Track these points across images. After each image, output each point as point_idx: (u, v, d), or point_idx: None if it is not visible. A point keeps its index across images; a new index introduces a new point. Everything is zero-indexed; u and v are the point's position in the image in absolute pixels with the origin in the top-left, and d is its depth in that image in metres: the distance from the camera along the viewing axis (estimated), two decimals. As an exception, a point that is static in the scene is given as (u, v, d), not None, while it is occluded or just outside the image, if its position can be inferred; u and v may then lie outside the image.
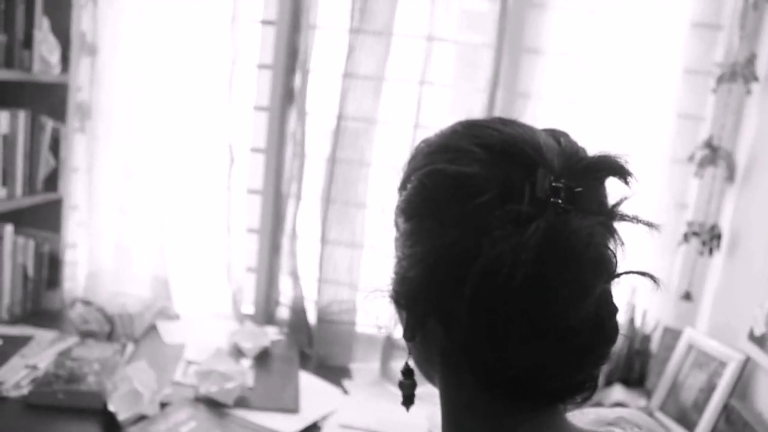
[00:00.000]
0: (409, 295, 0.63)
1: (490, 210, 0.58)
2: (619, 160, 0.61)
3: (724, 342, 1.78)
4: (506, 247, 0.56)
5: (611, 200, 0.62)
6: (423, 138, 0.68)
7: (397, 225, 0.66)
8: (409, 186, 0.64)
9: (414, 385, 0.69)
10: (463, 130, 0.64)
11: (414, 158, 0.66)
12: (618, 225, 0.61)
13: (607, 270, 0.60)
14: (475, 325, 0.58)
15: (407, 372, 0.69)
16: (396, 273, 0.65)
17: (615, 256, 0.60)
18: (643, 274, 0.62)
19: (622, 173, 0.60)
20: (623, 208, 0.61)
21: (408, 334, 0.65)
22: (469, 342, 0.59)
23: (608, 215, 0.60)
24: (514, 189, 0.58)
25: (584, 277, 0.57)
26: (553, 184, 0.58)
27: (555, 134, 0.64)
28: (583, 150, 0.63)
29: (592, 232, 0.57)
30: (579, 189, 0.58)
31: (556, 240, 0.56)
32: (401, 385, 0.69)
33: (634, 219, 0.61)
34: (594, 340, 0.61)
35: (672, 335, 1.94)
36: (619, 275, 0.60)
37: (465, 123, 0.66)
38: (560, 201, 0.57)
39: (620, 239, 0.60)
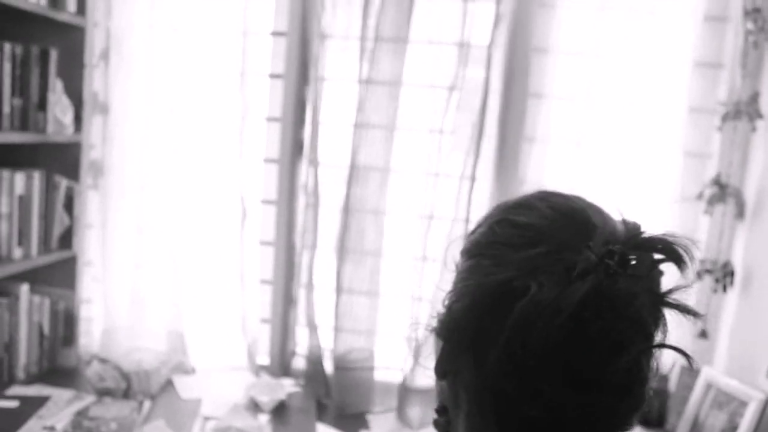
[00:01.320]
0: (451, 325, 0.65)
1: (545, 259, 0.61)
2: (678, 244, 0.62)
3: (742, 380, 1.77)
4: (552, 292, 0.59)
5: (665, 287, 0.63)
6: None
7: (457, 264, 0.69)
8: (478, 231, 0.69)
9: (449, 423, 0.70)
10: (539, 194, 0.69)
11: (489, 212, 0.70)
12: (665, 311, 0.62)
13: (644, 332, 0.61)
14: (507, 363, 0.60)
15: (441, 410, 0.70)
16: (444, 305, 0.67)
17: (656, 326, 0.62)
18: (679, 351, 0.63)
19: (677, 259, 0.61)
20: (674, 296, 0.61)
21: (440, 370, 0.67)
22: (498, 381, 0.61)
23: (657, 295, 0.61)
24: (573, 246, 0.61)
25: (621, 334, 0.59)
26: (609, 247, 0.60)
27: (624, 218, 0.66)
28: (647, 230, 0.64)
29: (636, 294, 0.59)
30: (633, 258, 0.60)
31: (601, 294, 0.58)
32: (436, 424, 0.71)
33: (682, 308, 0.61)
34: (620, 402, 0.62)
35: (690, 374, 1.92)
36: (656, 346, 0.62)
37: (542, 191, 0.70)
38: (612, 263, 0.59)
39: (664, 321, 0.62)
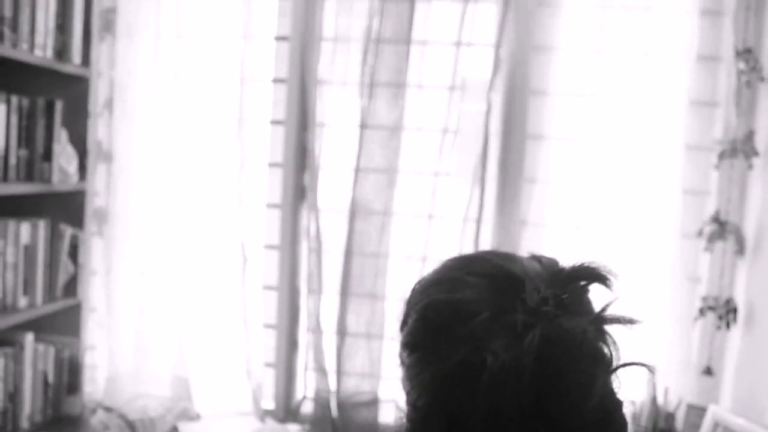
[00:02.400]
0: (423, 421, 0.66)
1: (488, 326, 0.63)
2: (597, 267, 0.66)
3: (749, 418, 1.76)
4: (509, 355, 0.61)
5: (600, 305, 0.67)
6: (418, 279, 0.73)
7: (402, 360, 0.70)
8: (410, 321, 0.69)
9: None
10: (453, 264, 0.71)
11: (411, 297, 0.72)
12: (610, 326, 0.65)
13: (604, 362, 0.65)
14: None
15: None
16: (407, 405, 0.68)
17: (611, 351, 0.65)
18: (640, 364, 0.67)
19: (601, 279, 0.66)
20: (610, 311, 0.66)
21: None
22: None
23: (596, 318, 0.65)
24: (507, 306, 0.63)
25: (585, 370, 0.62)
26: (542, 294, 0.63)
27: (535, 256, 0.70)
28: (563, 263, 0.68)
29: (584, 330, 0.63)
30: (565, 296, 0.64)
31: (553, 340, 0.61)
32: None
33: (621, 320, 0.66)
34: None
35: (696, 413, 1.92)
36: (617, 368, 0.65)
37: (453, 258, 0.72)
38: (550, 308, 0.62)
39: (612, 339, 0.66)
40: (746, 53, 1.87)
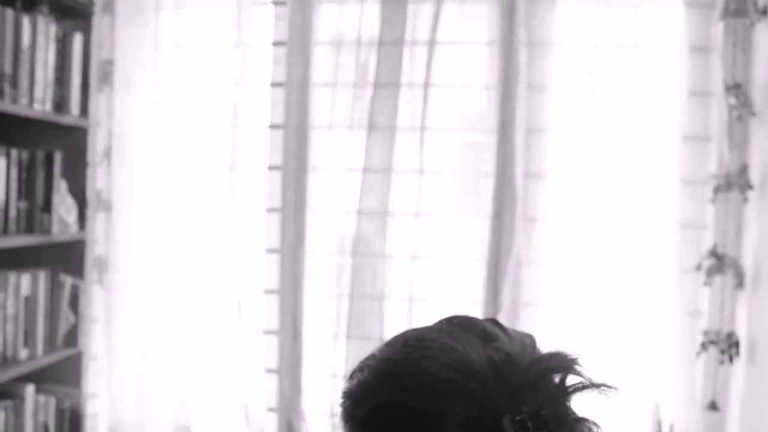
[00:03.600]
0: None
1: None
2: (560, 359, 0.64)
3: (757, 454, 1.74)
4: None
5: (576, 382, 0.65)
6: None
7: None
8: (351, 425, 0.65)
9: None
10: (410, 354, 0.64)
11: (358, 384, 0.66)
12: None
13: None
14: None
15: None
16: None
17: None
18: None
19: (567, 370, 0.64)
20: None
21: None
22: None
23: (575, 420, 0.63)
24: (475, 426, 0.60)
25: None
26: (517, 418, 0.59)
27: (487, 349, 0.64)
28: (518, 353, 0.64)
29: None
30: (543, 412, 0.60)
31: None
32: None
33: (598, 387, 0.64)
34: None
35: (704, 449, 1.90)
36: None
37: (409, 341, 0.66)
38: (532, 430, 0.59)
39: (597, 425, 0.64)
40: (736, 88, 1.89)
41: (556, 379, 0.63)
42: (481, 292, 2.01)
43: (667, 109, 1.97)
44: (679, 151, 1.97)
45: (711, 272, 1.91)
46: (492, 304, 2.01)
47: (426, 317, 1.98)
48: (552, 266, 2.00)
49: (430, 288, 2.03)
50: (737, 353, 1.89)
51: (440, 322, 0.69)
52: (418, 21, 2.03)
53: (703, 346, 1.92)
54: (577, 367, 0.64)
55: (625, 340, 1.97)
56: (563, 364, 0.64)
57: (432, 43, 2.02)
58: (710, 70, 1.97)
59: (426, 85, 2.02)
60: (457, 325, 0.68)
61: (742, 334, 1.90)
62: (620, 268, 1.99)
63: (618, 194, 1.99)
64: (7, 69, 1.88)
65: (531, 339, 0.68)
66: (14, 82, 1.91)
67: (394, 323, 2.03)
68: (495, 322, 0.69)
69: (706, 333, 1.92)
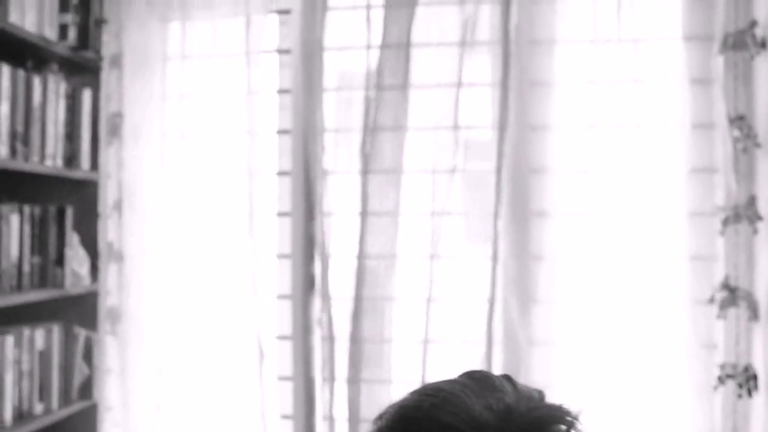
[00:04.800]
0: None
1: None
2: (559, 411, 0.66)
3: (781, 490, 1.71)
4: None
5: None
6: None
7: None
8: None
9: None
10: (401, 427, 0.68)
11: None
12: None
13: None
14: None
15: None
16: None
17: None
18: None
19: (565, 422, 0.65)
20: None
21: None
22: None
23: None
24: None
25: None
26: None
27: (490, 400, 0.67)
28: (517, 405, 0.67)
29: None
30: None
31: None
32: None
33: None
34: None
35: (726, 485, 1.87)
36: None
37: (402, 417, 0.70)
38: None
39: None
40: (739, 120, 1.90)
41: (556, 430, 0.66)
42: (489, 332, 2.01)
43: (671, 143, 1.98)
44: (685, 184, 1.97)
45: (724, 305, 1.90)
46: (505, 344, 2.00)
47: (437, 359, 1.99)
48: (565, 305, 1.99)
49: (441, 329, 2.03)
50: (755, 386, 1.87)
51: (460, 375, 0.74)
52: (422, 64, 2.06)
53: (720, 380, 1.90)
54: (576, 423, 0.65)
55: (641, 376, 1.96)
56: (561, 415, 0.66)
57: (436, 85, 2.05)
58: (712, 102, 1.98)
59: (434, 128, 2.05)
60: (470, 377, 0.73)
61: (759, 367, 1.88)
62: (632, 303, 1.98)
63: (626, 230, 1.99)
64: (19, 128, 1.92)
65: (540, 394, 0.71)
66: (26, 140, 1.94)
67: (407, 365, 2.03)
68: (508, 378, 0.73)
69: (722, 366, 1.91)
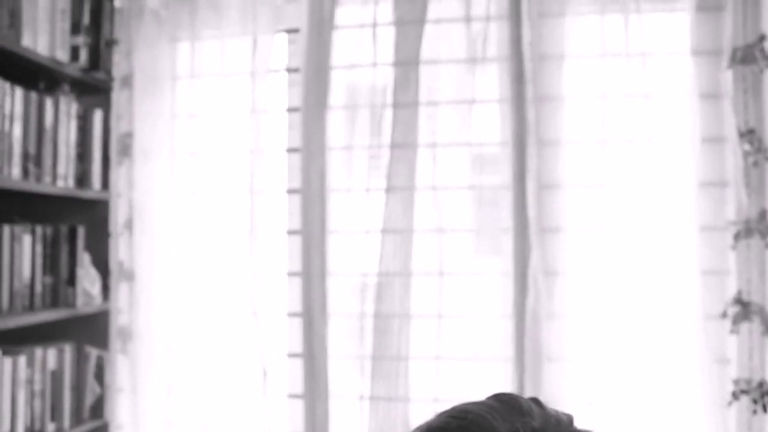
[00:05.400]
0: None
1: None
2: None
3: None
4: None
5: None
6: None
7: None
8: None
9: None
10: None
11: None
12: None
13: None
14: None
15: None
16: None
17: None
18: None
19: None
20: None
21: None
22: None
23: None
24: None
25: None
26: None
27: (517, 422, 0.68)
28: (544, 428, 0.68)
29: None
30: None
31: None
32: None
33: None
34: None
35: (742, 503, 1.85)
36: None
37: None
38: None
39: None
40: (749, 134, 1.90)
41: None
42: (506, 348, 2.01)
43: (681, 157, 1.98)
44: (696, 199, 1.96)
45: (737, 320, 1.89)
46: (519, 360, 1.99)
47: (451, 376, 1.98)
48: (575, 320, 1.99)
49: (455, 346, 2.03)
50: (770, 402, 1.85)
51: (488, 397, 0.75)
52: (431, 81, 2.07)
53: (734, 396, 1.89)
54: None
55: (655, 392, 1.95)
56: None
57: (446, 102, 2.06)
58: (722, 115, 1.98)
59: (443, 145, 2.05)
60: (498, 400, 0.73)
61: (773, 382, 1.86)
62: (645, 318, 1.97)
63: (637, 245, 1.98)
64: (32, 149, 1.93)
65: (569, 417, 0.72)
66: (38, 161, 1.96)
67: (417, 381, 2.03)
68: (536, 401, 0.73)
69: (736, 382, 1.89)
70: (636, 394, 1.96)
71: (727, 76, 1.94)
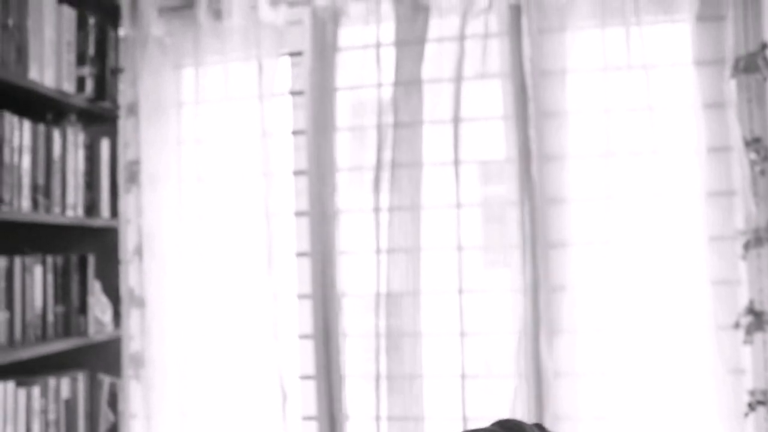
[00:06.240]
0: None
1: None
2: None
3: None
4: None
5: None
6: None
7: None
8: None
9: None
10: None
11: None
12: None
13: None
14: None
15: None
16: None
17: None
18: None
19: None
20: None
21: None
22: None
23: None
24: None
25: None
26: None
27: None
28: None
29: None
30: None
31: None
32: None
33: None
34: None
35: None
36: None
37: None
38: None
39: None
40: (755, 143, 1.89)
41: None
42: (516, 364, 2.00)
43: (687, 168, 1.97)
44: (704, 209, 1.96)
45: (750, 330, 1.88)
46: (529, 376, 1.99)
47: (466, 393, 1.97)
48: (588, 335, 1.98)
49: (466, 363, 2.02)
50: (787, 412, 1.84)
51: (493, 423, 0.76)
52: (436, 100, 2.08)
53: (751, 407, 1.87)
54: None
55: (669, 405, 1.94)
56: None
57: (454, 120, 2.06)
58: (727, 125, 1.97)
59: (447, 162, 2.06)
60: (503, 426, 0.74)
61: (789, 392, 1.85)
62: (656, 331, 1.96)
63: (646, 257, 1.97)
64: (41, 180, 1.95)
65: None
66: (47, 192, 1.97)
67: (435, 402, 2.02)
68: (540, 427, 0.73)
69: (752, 393, 1.88)
70: (650, 407, 1.95)
71: (731, 86, 1.94)
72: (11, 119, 1.85)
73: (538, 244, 2.01)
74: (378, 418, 2.06)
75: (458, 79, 2.06)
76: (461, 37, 2.06)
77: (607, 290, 1.97)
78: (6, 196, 1.80)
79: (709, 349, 1.93)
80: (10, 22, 1.83)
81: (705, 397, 1.94)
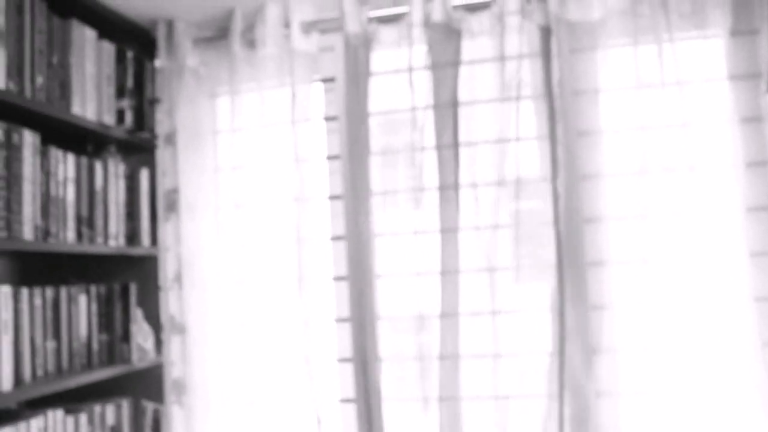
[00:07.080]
0: None
1: None
2: None
3: None
4: None
5: None
6: None
7: None
8: None
9: None
10: None
11: None
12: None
13: None
14: None
15: None
16: None
17: None
18: None
19: None
20: None
21: None
22: None
23: None
24: None
25: None
26: None
27: None
28: None
29: None
30: None
31: None
32: None
33: None
34: None
35: None
36: None
37: None
38: None
39: None
40: (794, 157, 1.88)
41: None
42: (549, 384, 1.99)
43: (725, 183, 1.96)
44: (744, 224, 1.94)
45: (796, 346, 1.85)
46: (572, 397, 1.98)
47: (504, 414, 1.96)
48: (628, 353, 1.96)
49: (505, 384, 2.02)
50: (837, 429, 1.81)
51: None
52: (469, 122, 2.10)
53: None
54: None
55: (716, 424, 1.91)
56: None
57: (485, 141, 2.08)
58: (764, 139, 1.96)
59: (483, 184, 2.07)
60: None
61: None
62: (698, 349, 1.94)
63: (686, 275, 1.96)
64: (84, 212, 2.00)
65: None
66: (90, 223, 2.02)
67: (476, 423, 2.02)
68: None
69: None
70: (695, 426, 1.93)
71: (767, 99, 1.93)
72: (56, 153, 1.89)
73: (574, 262, 2.01)
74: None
75: (492, 100, 2.08)
76: (495, 59, 2.07)
77: (647, 309, 1.96)
78: (53, 229, 1.85)
79: (754, 367, 1.91)
80: (55, 59, 1.89)
81: (751, 417, 1.91)
